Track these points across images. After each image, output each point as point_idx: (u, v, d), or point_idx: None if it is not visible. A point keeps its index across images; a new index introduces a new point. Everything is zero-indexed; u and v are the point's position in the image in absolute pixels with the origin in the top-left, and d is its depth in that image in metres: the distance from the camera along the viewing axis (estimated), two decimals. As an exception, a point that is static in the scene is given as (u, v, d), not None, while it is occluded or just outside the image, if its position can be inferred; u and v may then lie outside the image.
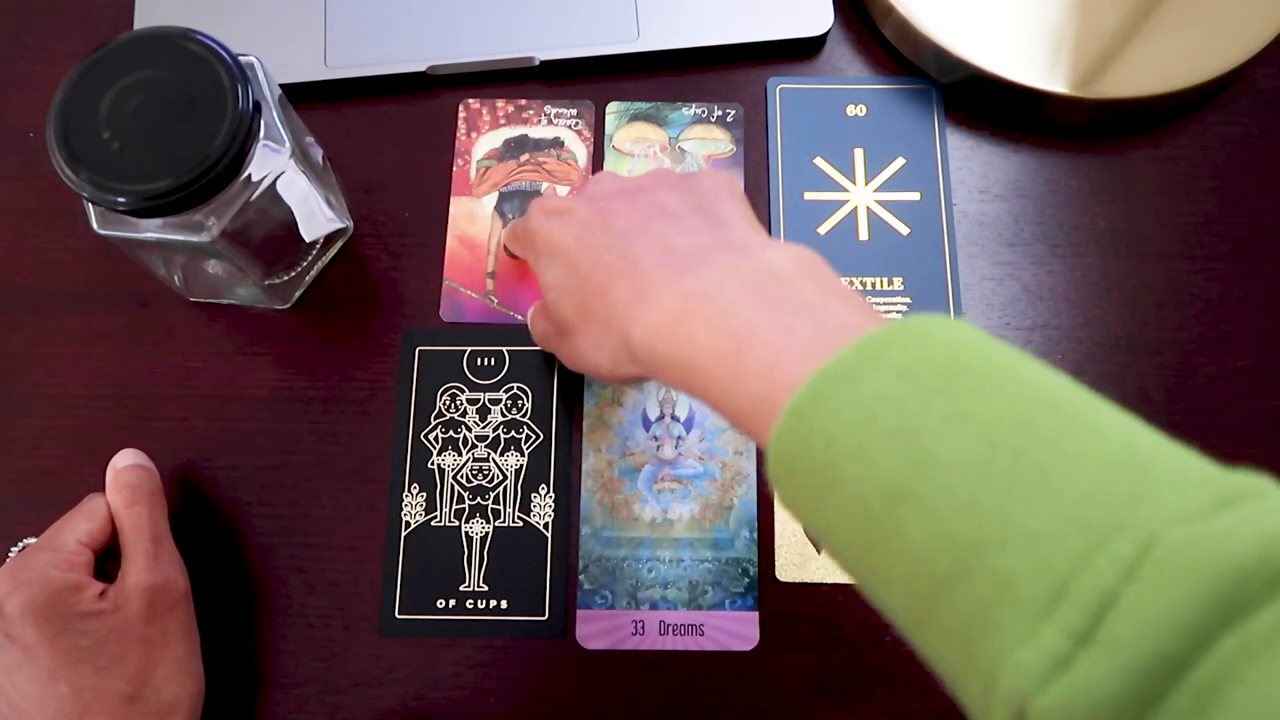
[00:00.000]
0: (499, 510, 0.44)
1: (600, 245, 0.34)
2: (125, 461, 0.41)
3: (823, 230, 0.48)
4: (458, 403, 0.46)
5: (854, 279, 0.47)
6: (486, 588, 0.43)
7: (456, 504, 0.44)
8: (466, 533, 0.44)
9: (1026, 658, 0.21)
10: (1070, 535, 0.21)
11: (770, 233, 0.48)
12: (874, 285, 0.47)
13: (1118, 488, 0.22)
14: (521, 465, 0.45)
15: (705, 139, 0.50)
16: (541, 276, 0.37)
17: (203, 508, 0.45)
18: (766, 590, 0.43)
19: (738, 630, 0.42)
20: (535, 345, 0.44)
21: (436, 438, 0.45)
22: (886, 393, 0.25)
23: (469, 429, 0.45)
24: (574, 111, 0.50)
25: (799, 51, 0.51)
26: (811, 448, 0.26)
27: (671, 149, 0.50)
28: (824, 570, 0.43)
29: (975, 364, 0.25)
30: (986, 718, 0.22)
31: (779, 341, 0.28)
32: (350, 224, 0.48)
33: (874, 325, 0.28)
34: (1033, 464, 0.23)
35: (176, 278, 0.45)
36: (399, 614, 0.43)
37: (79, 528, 0.38)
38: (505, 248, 0.47)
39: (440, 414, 0.45)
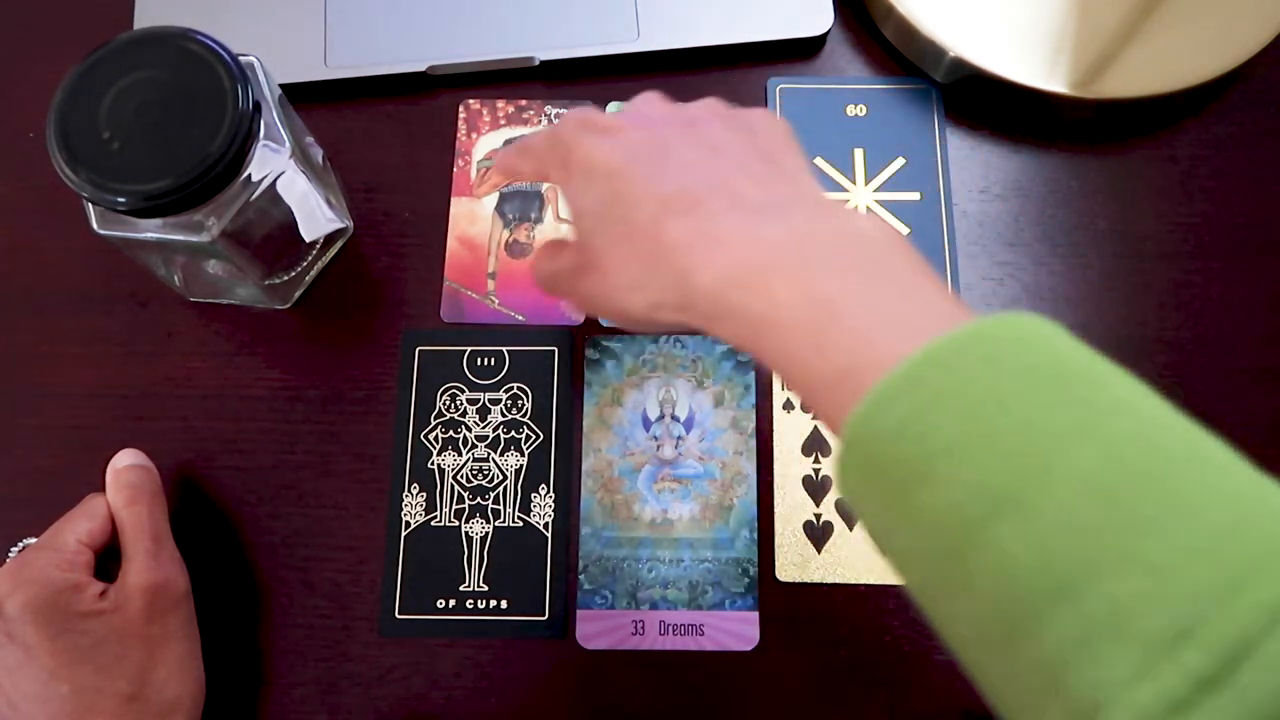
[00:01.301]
0: (499, 510, 0.44)
1: (654, 175, 0.31)
2: (125, 461, 0.41)
3: (823, 230, 0.48)
4: (458, 403, 0.46)
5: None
6: (486, 588, 0.43)
7: (456, 504, 0.44)
8: (466, 533, 0.44)
9: (1143, 698, 0.19)
10: (1201, 572, 0.20)
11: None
12: (874, 285, 0.47)
13: (1254, 526, 0.20)
14: (521, 465, 0.45)
15: (705, 139, 0.50)
16: (573, 200, 0.33)
17: (203, 508, 0.45)
18: (766, 590, 0.43)
19: (738, 630, 0.42)
20: (536, 345, 0.44)
21: (436, 438, 0.45)
22: (997, 391, 0.23)
23: (469, 429, 0.45)
24: (574, 111, 0.50)
25: (799, 51, 0.51)
26: (902, 437, 0.23)
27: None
28: (824, 570, 0.43)
29: (1091, 374, 0.24)
30: None
31: (869, 315, 0.26)
32: (350, 224, 0.48)
33: (968, 314, 0.26)
34: (1162, 490, 0.21)
35: (176, 278, 0.45)
36: (399, 614, 0.43)
37: (79, 527, 0.38)
38: (499, 169, 0.41)
39: (440, 414, 0.45)
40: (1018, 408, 0.23)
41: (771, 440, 0.45)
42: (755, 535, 0.44)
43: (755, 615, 0.43)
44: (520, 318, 0.47)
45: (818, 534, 0.44)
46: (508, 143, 0.50)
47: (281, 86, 0.41)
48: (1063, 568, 0.21)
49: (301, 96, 0.48)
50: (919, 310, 0.26)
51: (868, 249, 0.28)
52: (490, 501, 0.44)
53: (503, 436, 0.45)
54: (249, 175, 0.38)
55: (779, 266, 0.28)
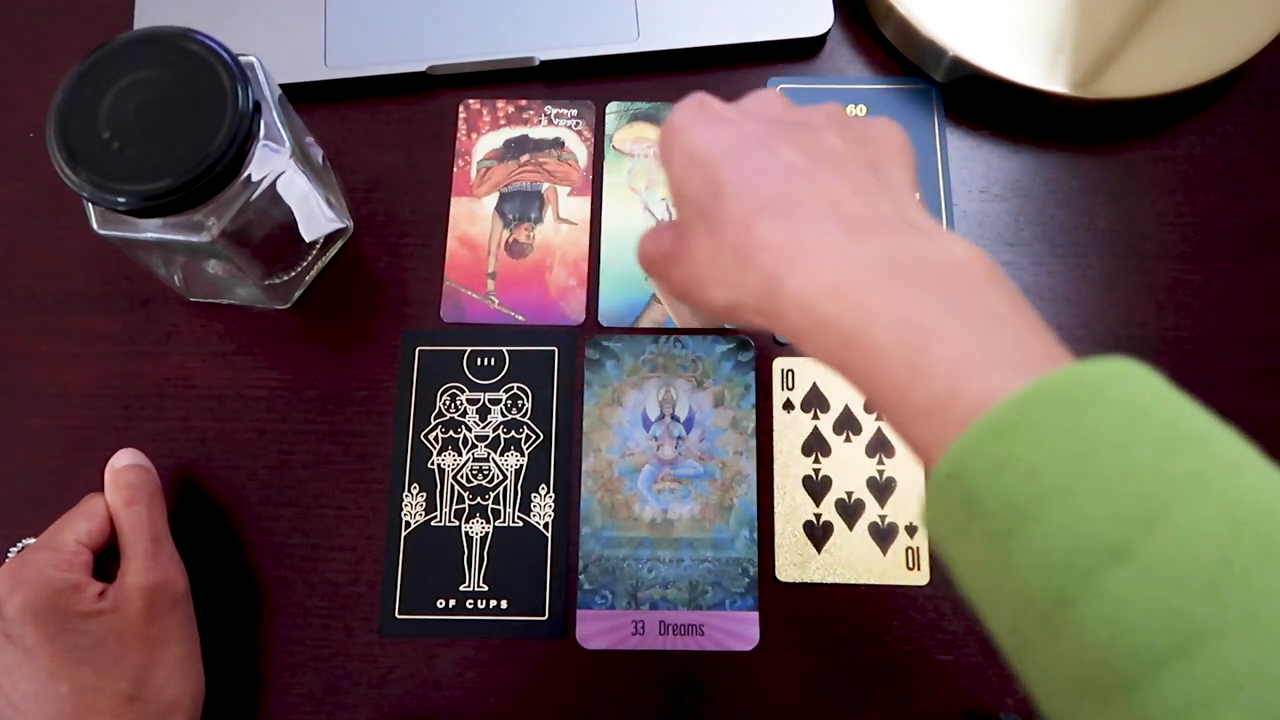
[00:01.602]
0: (499, 510, 0.44)
1: (756, 169, 0.30)
2: (124, 461, 0.41)
3: (823, 230, 0.48)
4: (458, 403, 0.46)
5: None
6: (486, 588, 0.43)
7: (456, 504, 0.44)
8: (466, 533, 0.44)
9: None
10: None
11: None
12: (874, 285, 0.47)
13: None
14: (521, 465, 0.45)
15: (705, 139, 0.50)
16: (675, 185, 0.33)
17: (203, 508, 0.45)
18: (766, 590, 0.43)
19: (738, 630, 0.42)
20: (536, 345, 0.44)
21: (436, 438, 0.45)
22: (1109, 435, 0.22)
23: (469, 429, 0.45)
24: (574, 112, 0.50)
25: (799, 51, 0.51)
26: (1009, 474, 0.22)
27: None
28: (824, 570, 0.43)
29: (1202, 425, 0.23)
30: None
31: (968, 343, 0.25)
32: (350, 224, 0.48)
33: (1067, 353, 0.26)
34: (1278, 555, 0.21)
35: (176, 278, 0.45)
36: (399, 614, 0.43)
37: (78, 528, 0.38)
38: None
39: (440, 414, 0.45)
40: (1133, 452, 0.22)
41: (771, 440, 0.45)
42: (755, 535, 0.44)
43: (755, 615, 0.43)
44: (520, 318, 0.47)
45: (818, 534, 0.44)
46: (508, 143, 0.50)
47: (281, 86, 0.41)
48: (1177, 626, 0.20)
49: (301, 96, 0.48)
50: (1020, 344, 0.25)
51: (966, 275, 0.27)
52: (490, 501, 0.44)
53: (503, 436, 0.45)
54: (249, 175, 0.38)
55: (874, 283, 0.27)
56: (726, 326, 0.46)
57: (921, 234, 0.28)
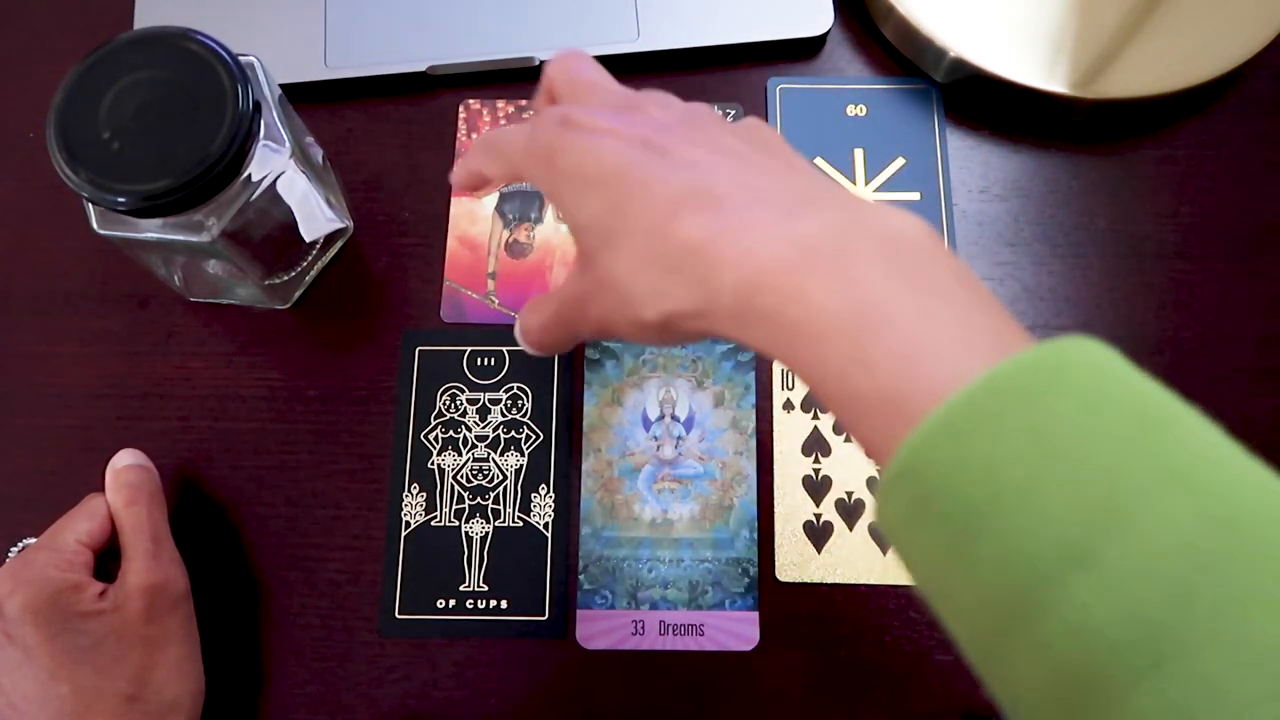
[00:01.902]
0: (499, 510, 0.44)
1: (658, 174, 0.28)
2: (125, 461, 0.41)
3: (823, 230, 0.48)
4: (458, 403, 0.46)
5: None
6: (486, 588, 0.43)
7: (456, 504, 0.44)
8: (466, 533, 0.44)
9: None
10: None
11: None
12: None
13: None
14: (521, 465, 0.45)
15: (705, 139, 0.50)
16: (568, 212, 0.30)
17: (203, 508, 0.45)
18: (766, 590, 0.43)
19: (738, 630, 0.42)
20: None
21: (436, 438, 0.45)
22: (1070, 427, 0.21)
23: (469, 429, 0.45)
24: (574, 111, 0.50)
25: (799, 51, 0.51)
26: (965, 474, 0.21)
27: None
28: (824, 570, 0.43)
29: (1170, 412, 0.21)
30: None
31: (919, 327, 0.23)
32: (350, 224, 0.48)
33: (1024, 332, 0.24)
34: (1260, 556, 0.19)
35: (176, 278, 0.45)
36: (399, 614, 0.43)
37: (79, 528, 0.38)
38: (462, 176, 0.36)
39: (440, 414, 0.45)
40: (1100, 448, 0.20)
41: (771, 440, 0.45)
42: (755, 535, 0.44)
43: (755, 615, 0.43)
44: (520, 318, 0.47)
45: (818, 534, 0.44)
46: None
47: (281, 86, 0.41)
48: (1149, 638, 0.19)
49: (301, 96, 0.48)
50: (973, 325, 0.24)
51: (911, 251, 0.25)
52: (490, 501, 0.44)
53: (503, 436, 0.45)
54: (249, 175, 0.38)
55: (814, 267, 0.25)
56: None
57: (857, 209, 0.26)
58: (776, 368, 0.46)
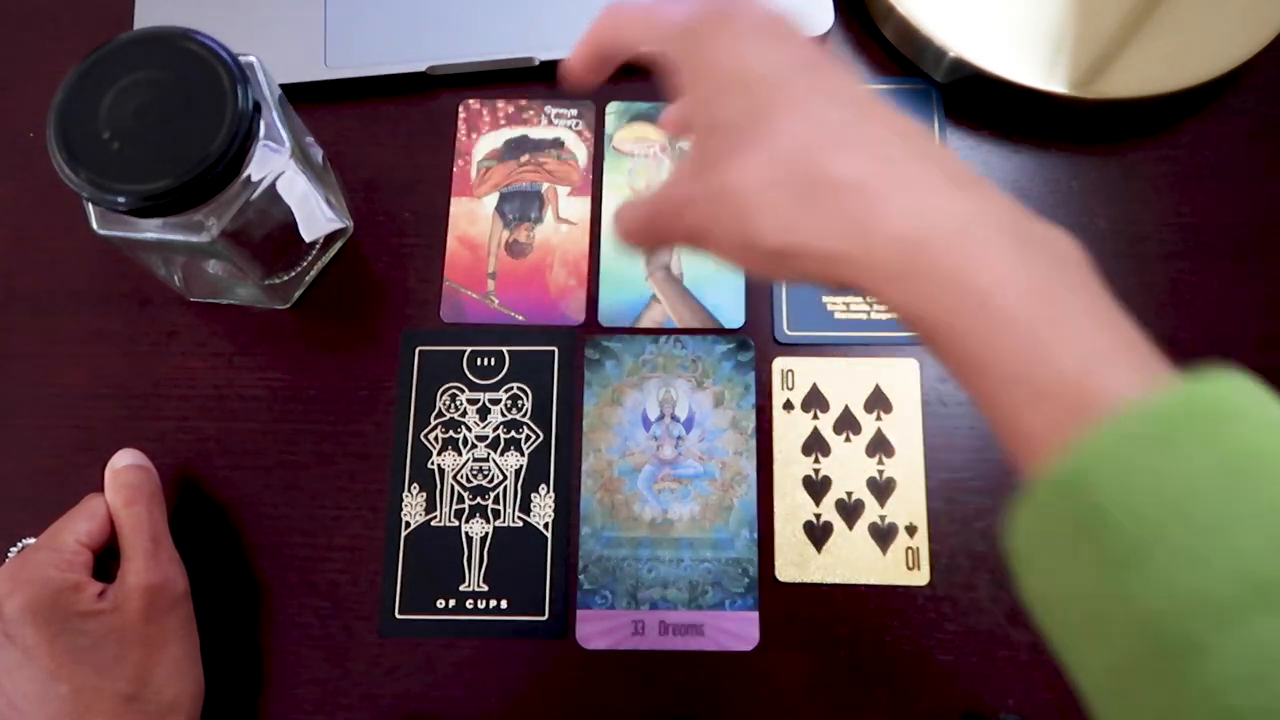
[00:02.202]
0: (499, 510, 0.44)
1: (819, 100, 0.26)
2: (124, 461, 0.41)
3: (823, 230, 0.48)
4: (458, 403, 0.46)
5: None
6: (486, 588, 0.43)
7: (456, 504, 0.44)
8: (466, 533, 0.44)
9: None
10: None
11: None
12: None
13: None
14: (521, 465, 0.45)
15: (705, 139, 0.50)
16: (707, 107, 0.27)
17: (203, 508, 0.45)
18: (766, 590, 0.43)
19: (738, 630, 0.42)
20: (536, 345, 0.44)
21: (436, 438, 0.45)
22: (1268, 459, 0.19)
23: (469, 429, 0.45)
24: (574, 112, 0.50)
25: (799, 51, 0.51)
26: (1144, 489, 0.19)
27: (672, 149, 0.50)
28: (824, 570, 0.43)
29: None
30: None
31: (1095, 332, 0.22)
32: (350, 224, 0.48)
33: (1167, 363, 0.23)
34: None
35: (176, 278, 0.45)
36: (399, 614, 0.43)
37: (78, 528, 0.38)
38: (589, 51, 0.32)
39: (440, 414, 0.45)
40: None
41: (771, 440, 0.45)
42: (755, 535, 0.44)
43: (755, 615, 0.43)
44: (520, 318, 0.47)
45: (818, 534, 0.44)
46: (508, 143, 0.50)
47: (281, 86, 0.41)
48: None
49: (301, 96, 0.48)
50: (1138, 343, 0.22)
51: (1071, 257, 0.24)
52: (490, 501, 0.44)
53: (503, 436, 0.45)
54: (249, 175, 0.38)
55: (993, 241, 0.23)
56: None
57: (1015, 204, 0.24)
58: (776, 368, 0.46)
